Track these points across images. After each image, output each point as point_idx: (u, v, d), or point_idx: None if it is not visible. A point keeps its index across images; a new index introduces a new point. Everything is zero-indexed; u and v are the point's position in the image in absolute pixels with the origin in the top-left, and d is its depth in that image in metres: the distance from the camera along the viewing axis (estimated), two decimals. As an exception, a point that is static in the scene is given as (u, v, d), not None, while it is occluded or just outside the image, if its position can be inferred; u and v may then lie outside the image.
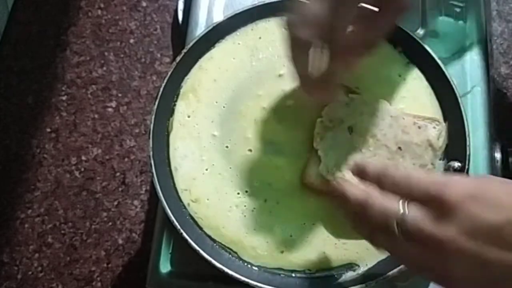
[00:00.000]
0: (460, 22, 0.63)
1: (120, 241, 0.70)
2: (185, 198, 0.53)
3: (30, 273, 0.69)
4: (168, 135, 0.56)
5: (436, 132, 0.53)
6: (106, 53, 0.79)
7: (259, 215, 0.53)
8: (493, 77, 0.64)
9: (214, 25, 0.58)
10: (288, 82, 0.57)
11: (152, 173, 0.52)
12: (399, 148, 0.52)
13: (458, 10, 0.64)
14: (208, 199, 0.53)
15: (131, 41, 0.80)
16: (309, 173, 0.52)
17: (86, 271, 0.69)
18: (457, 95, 0.54)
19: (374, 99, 0.54)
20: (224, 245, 0.52)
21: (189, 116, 0.56)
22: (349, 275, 0.51)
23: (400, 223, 0.38)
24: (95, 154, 0.74)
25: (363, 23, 0.47)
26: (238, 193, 0.54)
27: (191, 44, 0.57)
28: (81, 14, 0.82)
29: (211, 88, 0.57)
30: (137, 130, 0.75)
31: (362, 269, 0.51)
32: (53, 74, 0.78)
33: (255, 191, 0.53)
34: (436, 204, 0.37)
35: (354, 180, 0.47)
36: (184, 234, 0.50)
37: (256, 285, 0.49)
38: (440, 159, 0.53)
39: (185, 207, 0.53)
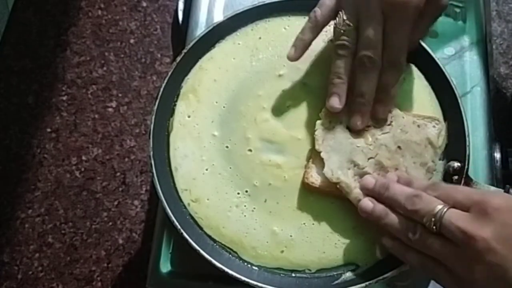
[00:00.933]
0: (460, 22, 0.63)
1: (120, 241, 0.70)
2: (185, 198, 0.54)
3: (30, 273, 0.69)
4: (168, 135, 0.56)
5: (436, 131, 0.53)
6: (106, 53, 0.79)
7: (259, 215, 0.53)
8: (493, 77, 0.64)
9: (214, 25, 0.58)
10: (288, 82, 0.57)
11: (152, 173, 0.52)
12: (399, 147, 0.52)
13: (457, 10, 0.64)
14: (208, 199, 0.53)
15: (131, 41, 0.80)
16: (311, 174, 0.52)
17: (87, 271, 0.69)
18: (457, 95, 0.54)
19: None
20: (224, 245, 0.52)
21: (189, 116, 0.56)
22: (349, 275, 0.51)
23: (436, 219, 0.42)
24: (96, 154, 0.74)
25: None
26: (238, 193, 0.54)
27: (191, 44, 0.57)
28: (81, 14, 0.82)
29: (211, 88, 0.57)
30: (137, 130, 0.75)
31: (362, 269, 0.51)
32: (53, 74, 0.78)
33: (255, 191, 0.53)
34: (477, 208, 0.40)
35: (356, 182, 0.51)
36: (184, 234, 0.50)
37: (256, 285, 0.49)
38: (440, 159, 0.53)
39: (185, 207, 0.53)
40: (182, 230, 0.50)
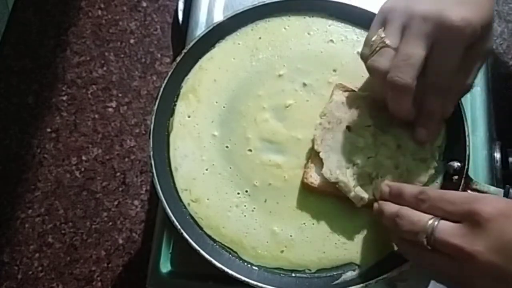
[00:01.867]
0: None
1: (120, 241, 0.70)
2: (185, 198, 0.54)
3: (30, 273, 0.69)
4: (168, 135, 0.56)
5: None
6: (106, 53, 0.79)
7: (259, 215, 0.53)
8: (493, 77, 0.64)
9: (214, 25, 0.58)
10: (288, 82, 0.57)
11: (152, 173, 0.52)
12: (398, 146, 0.52)
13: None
14: (208, 199, 0.53)
15: (131, 41, 0.80)
16: (310, 174, 0.52)
17: (87, 271, 0.69)
18: (457, 95, 0.54)
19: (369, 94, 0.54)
20: (224, 245, 0.52)
21: (189, 116, 0.56)
22: (349, 275, 0.51)
23: (428, 235, 0.41)
24: (96, 154, 0.74)
25: None
26: (238, 193, 0.54)
27: (191, 44, 0.57)
28: (81, 14, 0.82)
29: (211, 88, 0.57)
30: (137, 130, 0.75)
31: (362, 269, 0.51)
32: (54, 74, 0.78)
33: (255, 191, 0.53)
34: (469, 219, 0.40)
35: (355, 181, 0.50)
36: (184, 234, 0.50)
37: (256, 285, 0.49)
38: (440, 159, 0.53)
39: (185, 207, 0.53)
40: (182, 230, 0.50)
